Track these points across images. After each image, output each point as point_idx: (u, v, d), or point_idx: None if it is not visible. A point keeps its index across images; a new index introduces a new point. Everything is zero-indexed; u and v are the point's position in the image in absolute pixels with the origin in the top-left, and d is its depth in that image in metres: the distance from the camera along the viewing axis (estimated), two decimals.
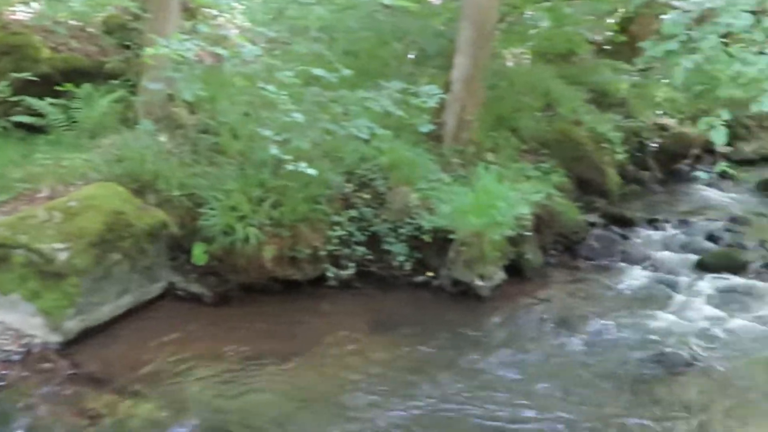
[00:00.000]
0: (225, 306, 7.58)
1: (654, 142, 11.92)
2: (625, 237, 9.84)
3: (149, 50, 7.08)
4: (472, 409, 6.17)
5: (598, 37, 12.95)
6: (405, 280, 8.26)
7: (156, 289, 7.47)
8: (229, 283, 7.68)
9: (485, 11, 8.69)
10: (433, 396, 6.30)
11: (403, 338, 7.25)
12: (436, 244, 8.27)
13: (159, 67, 7.47)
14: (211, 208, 7.56)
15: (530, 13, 10.96)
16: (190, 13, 9.67)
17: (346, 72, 7.49)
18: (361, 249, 8.10)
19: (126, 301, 7.12)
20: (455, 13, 9.59)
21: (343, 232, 8.06)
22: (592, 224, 9.86)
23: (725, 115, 6.27)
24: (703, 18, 6.61)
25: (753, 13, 6.25)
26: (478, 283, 8.09)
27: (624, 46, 12.37)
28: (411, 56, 10.21)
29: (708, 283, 8.74)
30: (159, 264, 7.48)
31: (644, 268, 9.12)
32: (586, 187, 10.43)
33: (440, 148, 9.06)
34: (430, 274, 8.32)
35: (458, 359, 6.94)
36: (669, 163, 11.99)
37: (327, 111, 7.85)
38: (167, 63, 7.32)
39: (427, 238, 8.17)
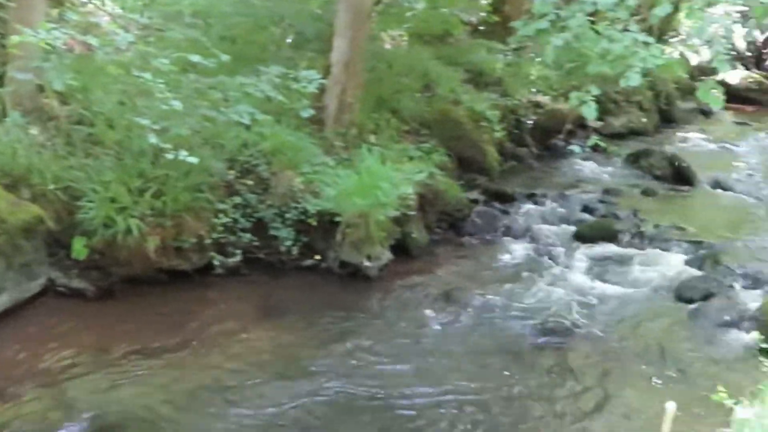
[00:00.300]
0: (109, 300, 7.39)
1: (530, 119, 12.25)
2: (506, 212, 10.11)
3: (14, 39, 6.79)
4: (364, 389, 6.26)
5: (473, 18, 13.18)
6: (293, 265, 8.26)
7: (35, 286, 7.21)
8: (112, 277, 7.49)
9: None
10: (323, 379, 6.35)
11: (293, 323, 7.27)
12: (323, 228, 8.29)
13: (26, 56, 7.19)
14: (90, 201, 7.34)
15: None
16: (56, 0, 9.31)
17: (224, 57, 7.39)
18: (247, 236, 8.04)
19: (2, 301, 6.84)
20: None
21: (228, 220, 7.98)
22: (474, 201, 10.08)
23: (594, 90, 6.51)
24: None
25: None
26: (366, 263, 8.16)
27: (498, 26, 12.65)
28: (289, 40, 10.15)
29: (585, 253, 9.11)
30: (37, 260, 7.22)
31: (525, 242, 9.42)
32: (466, 165, 10.64)
33: (323, 131, 9.07)
34: (318, 257, 8.34)
35: (348, 341, 7.01)
36: (545, 138, 12.35)
37: (206, 98, 7.74)
38: (35, 52, 7.04)
39: (313, 221, 8.18)
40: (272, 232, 8.17)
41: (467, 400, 6.17)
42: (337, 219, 8.18)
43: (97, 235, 7.31)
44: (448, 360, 6.81)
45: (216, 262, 7.84)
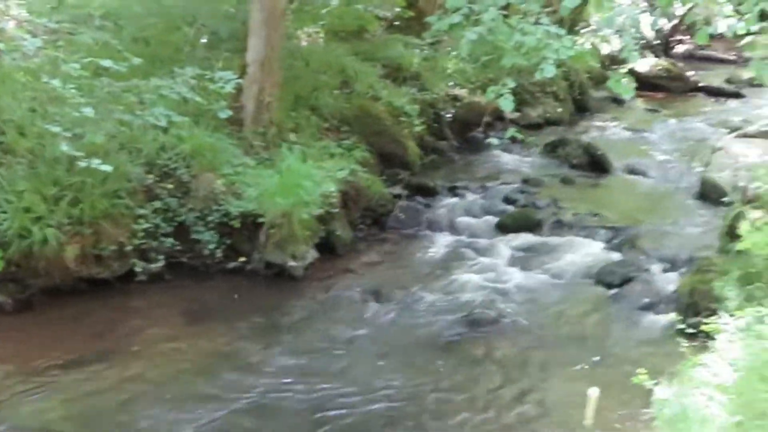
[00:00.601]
0: (28, 312, 7.20)
1: (449, 113, 12.34)
2: (429, 206, 10.18)
3: None
4: (291, 391, 6.25)
5: (388, 14, 13.21)
6: (217, 268, 8.17)
7: None
8: (30, 288, 7.30)
9: None
10: (250, 384, 6.31)
11: (219, 327, 7.20)
12: (246, 229, 8.23)
13: None
14: (3, 212, 7.12)
15: None
16: None
17: (136, 61, 7.25)
18: (170, 240, 7.92)
19: None
20: None
21: (149, 225, 7.84)
22: (397, 196, 10.12)
23: (510, 83, 6.59)
24: None
25: None
26: (291, 263, 8.14)
27: (413, 21, 12.71)
28: (203, 41, 10.01)
29: (507, 243, 9.24)
30: None
31: (449, 234, 9.53)
32: (388, 160, 10.67)
33: (242, 131, 8.98)
34: (243, 259, 8.27)
35: (276, 342, 6.99)
36: (464, 131, 12.47)
37: (120, 102, 7.59)
38: None
39: (236, 223, 8.11)
40: (195, 236, 8.07)
41: (395, 396, 6.23)
42: (261, 220, 8.13)
43: (12, 246, 7.10)
44: (375, 357, 6.84)
45: (138, 269, 7.70)
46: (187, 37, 9.89)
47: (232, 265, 8.23)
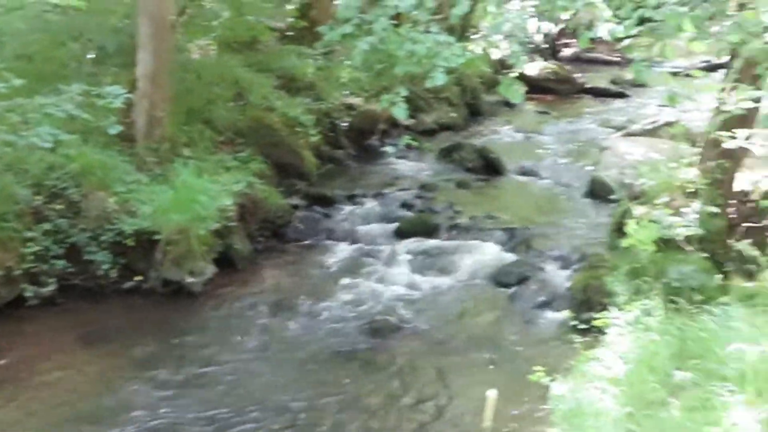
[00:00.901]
0: None
1: (344, 122, 12.39)
2: (327, 215, 10.20)
3: None
4: (190, 410, 6.15)
5: (281, 24, 13.18)
6: (113, 289, 7.98)
7: None
8: None
9: (162, 4, 8.54)
10: (148, 406, 6.18)
11: (115, 350, 7.03)
12: (142, 247, 8.07)
13: None
14: None
15: (210, 4, 10.89)
16: None
17: (18, 82, 7.00)
18: (61, 262, 7.69)
19: None
20: (131, 9, 9.32)
21: (39, 248, 7.59)
22: (296, 207, 10.10)
23: (403, 91, 6.64)
24: (375, 0, 6.96)
25: None
26: (189, 280, 8.02)
27: (306, 31, 12.72)
28: (91, 56, 9.76)
29: (406, 249, 9.33)
30: None
31: (348, 243, 9.55)
32: (285, 171, 10.63)
33: (134, 147, 8.80)
34: (139, 278, 8.11)
35: (174, 362, 6.86)
36: (360, 139, 12.54)
37: (3, 122, 7.32)
38: None
39: (130, 242, 7.94)
40: (88, 257, 7.86)
41: (294, 409, 6.22)
42: (156, 237, 7.98)
43: None
44: (276, 370, 6.81)
45: (29, 294, 7.45)
46: (73, 53, 9.64)
47: (128, 284, 8.06)
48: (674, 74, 5.65)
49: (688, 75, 6.13)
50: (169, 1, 8.76)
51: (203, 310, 7.82)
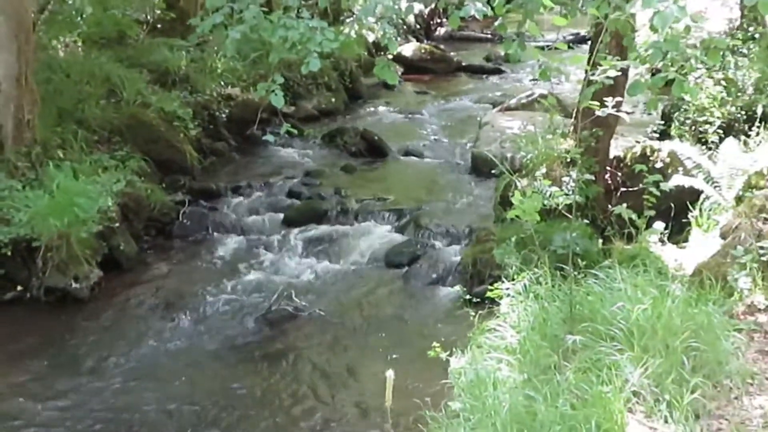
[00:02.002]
0: None
1: (223, 113, 12.16)
2: (213, 209, 10.02)
3: None
4: (87, 421, 5.99)
5: (148, 17, 12.82)
6: None
7: None
8: None
9: (18, 2, 8.15)
10: (44, 418, 6.00)
11: (1, 364, 6.73)
12: (21, 256, 7.78)
13: None
14: None
15: None
16: None
17: None
18: None
19: None
20: None
21: None
22: (180, 202, 9.88)
23: (279, 79, 6.57)
24: None
25: None
26: (74, 285, 7.78)
27: (176, 22, 12.41)
28: None
29: (296, 237, 9.30)
30: None
31: (237, 235, 9.44)
32: (166, 167, 10.37)
33: (3, 154, 8.40)
34: (20, 288, 7.80)
35: (66, 371, 6.65)
36: (241, 130, 12.33)
37: None
38: None
39: (7, 251, 7.60)
40: None
41: (197, 408, 6.14)
42: (36, 244, 7.68)
43: None
44: (173, 372, 6.69)
45: None
46: None
47: (9, 296, 7.77)
48: (543, 48, 5.78)
49: (556, 48, 6.31)
50: None
51: (91, 315, 7.59)
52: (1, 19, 8.13)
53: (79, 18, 10.84)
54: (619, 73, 5.05)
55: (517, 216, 5.21)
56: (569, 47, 6.61)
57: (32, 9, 8.77)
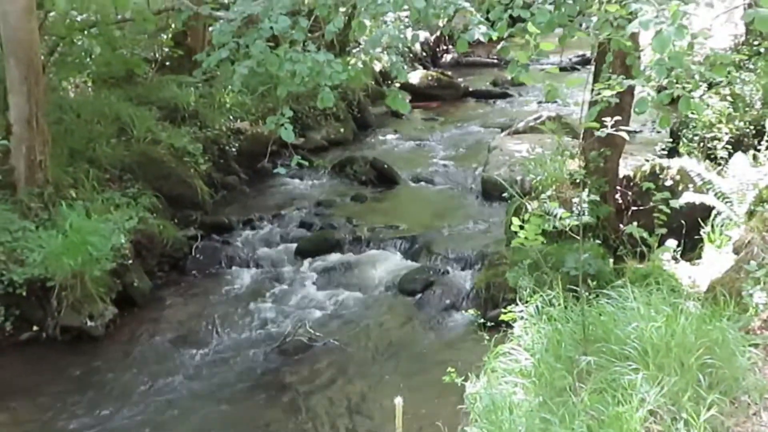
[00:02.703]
0: None
1: (233, 147, 12.25)
2: (226, 242, 10.06)
3: None
4: None
5: (157, 55, 12.97)
6: (10, 342, 7.67)
7: None
8: None
9: (28, 46, 8.25)
10: None
11: (18, 405, 6.76)
12: (36, 296, 7.81)
13: None
14: None
15: (81, 40, 10.61)
16: None
17: None
18: None
19: None
20: None
21: None
22: (193, 237, 9.93)
23: (288, 112, 6.63)
24: (251, 22, 6.94)
25: (291, 15, 6.70)
26: (89, 324, 7.81)
27: (184, 59, 12.53)
28: None
29: (309, 267, 9.33)
30: None
31: (250, 268, 9.46)
32: (178, 202, 10.43)
33: (16, 195, 8.48)
34: (36, 328, 7.83)
35: (83, 410, 6.65)
36: (251, 163, 12.40)
37: None
38: None
39: (22, 292, 7.64)
40: None
41: None
42: (50, 283, 7.73)
43: None
44: (189, 407, 6.69)
45: None
46: None
47: (25, 336, 7.79)
48: (545, 71, 5.82)
49: (563, 70, 6.35)
50: (36, 41, 8.48)
51: (107, 353, 7.61)
52: (11, 63, 8.25)
53: (88, 59, 10.96)
54: (617, 94, 5.06)
55: (520, 242, 5.23)
56: (574, 69, 6.68)
57: (42, 52, 8.87)
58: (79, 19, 10.41)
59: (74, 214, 8.22)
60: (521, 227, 4.93)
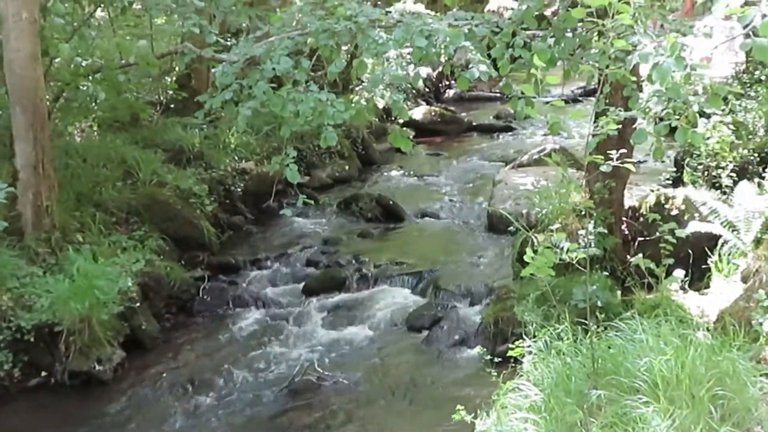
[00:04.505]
0: None
1: (238, 187, 12.31)
2: (233, 283, 10.06)
3: None
4: None
5: (162, 98, 13.08)
6: (18, 388, 7.63)
7: None
8: None
9: (33, 92, 8.34)
10: None
11: None
12: (44, 341, 7.80)
13: None
14: None
15: (86, 86, 10.72)
16: None
17: None
18: None
19: None
20: (2, 100, 9.11)
21: None
22: (200, 278, 9.94)
23: (292, 152, 6.68)
24: (254, 64, 7.00)
25: (293, 55, 6.76)
26: (98, 368, 7.79)
27: (189, 101, 12.62)
28: None
29: (317, 306, 9.31)
30: None
31: (257, 308, 9.43)
32: (185, 244, 10.46)
33: (23, 241, 8.51)
34: (45, 373, 7.82)
35: None
36: (257, 203, 12.45)
37: None
38: None
39: (30, 337, 7.64)
40: None
41: None
42: (58, 329, 7.73)
43: None
44: None
45: None
46: None
47: (34, 381, 7.77)
48: (549, 103, 5.85)
49: (567, 102, 6.38)
50: (42, 88, 8.57)
51: (115, 397, 7.58)
52: (17, 110, 8.33)
53: (93, 103, 11.05)
54: (622, 126, 5.09)
55: (531, 274, 5.20)
56: (576, 101, 6.70)
57: (47, 98, 8.96)
58: (83, 64, 10.51)
59: (81, 258, 8.24)
60: (533, 258, 4.91)
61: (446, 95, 21.50)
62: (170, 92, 12.90)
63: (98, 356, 7.85)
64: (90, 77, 10.44)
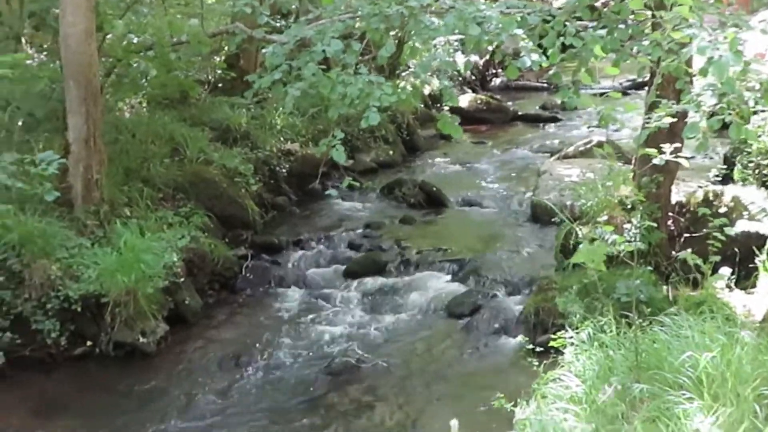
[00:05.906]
0: None
1: (283, 168, 12.39)
2: (276, 262, 10.15)
3: None
4: None
5: (211, 77, 13.19)
6: (64, 356, 7.81)
7: None
8: None
9: (87, 68, 8.46)
10: None
11: (71, 420, 6.88)
12: (90, 311, 7.96)
13: None
14: None
15: (137, 62, 10.84)
16: None
17: None
18: (7, 335, 7.51)
19: None
20: (58, 74, 9.25)
21: None
22: (243, 257, 10.04)
23: (339, 134, 6.71)
24: (304, 46, 7.05)
25: (343, 38, 6.79)
26: (142, 340, 7.92)
27: (237, 81, 12.70)
28: (20, 123, 9.62)
29: (357, 289, 9.36)
30: None
31: (299, 288, 9.52)
32: (229, 222, 10.58)
33: (73, 212, 8.68)
34: (90, 343, 7.97)
35: (135, 426, 6.72)
36: (302, 184, 12.53)
37: None
38: None
39: (78, 307, 7.80)
40: (35, 326, 7.69)
41: None
42: (104, 300, 7.87)
43: None
44: (240, 425, 6.73)
45: None
46: (1, 122, 9.49)
47: (79, 351, 7.92)
48: (600, 95, 5.82)
49: (617, 94, 6.32)
50: (95, 63, 8.70)
51: (159, 369, 7.71)
52: (71, 85, 8.47)
53: (144, 80, 11.18)
54: (675, 119, 5.03)
55: (583, 262, 5.18)
56: (624, 94, 6.65)
57: (100, 73, 9.09)
58: (135, 41, 10.64)
59: (128, 232, 8.38)
60: (588, 248, 4.89)
61: (492, 83, 21.35)
62: (219, 71, 12.98)
63: (142, 329, 7.98)
64: (141, 54, 10.55)
